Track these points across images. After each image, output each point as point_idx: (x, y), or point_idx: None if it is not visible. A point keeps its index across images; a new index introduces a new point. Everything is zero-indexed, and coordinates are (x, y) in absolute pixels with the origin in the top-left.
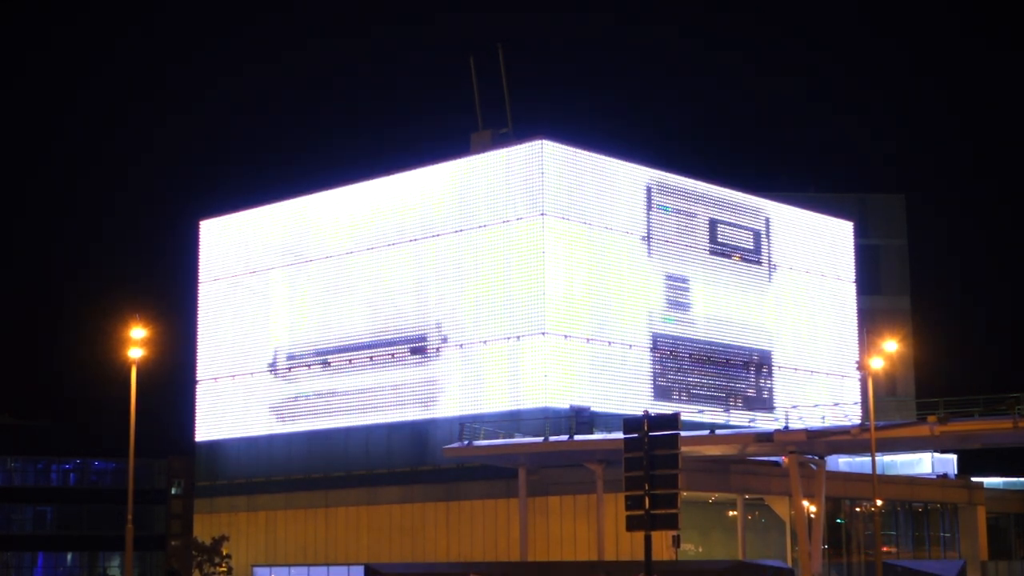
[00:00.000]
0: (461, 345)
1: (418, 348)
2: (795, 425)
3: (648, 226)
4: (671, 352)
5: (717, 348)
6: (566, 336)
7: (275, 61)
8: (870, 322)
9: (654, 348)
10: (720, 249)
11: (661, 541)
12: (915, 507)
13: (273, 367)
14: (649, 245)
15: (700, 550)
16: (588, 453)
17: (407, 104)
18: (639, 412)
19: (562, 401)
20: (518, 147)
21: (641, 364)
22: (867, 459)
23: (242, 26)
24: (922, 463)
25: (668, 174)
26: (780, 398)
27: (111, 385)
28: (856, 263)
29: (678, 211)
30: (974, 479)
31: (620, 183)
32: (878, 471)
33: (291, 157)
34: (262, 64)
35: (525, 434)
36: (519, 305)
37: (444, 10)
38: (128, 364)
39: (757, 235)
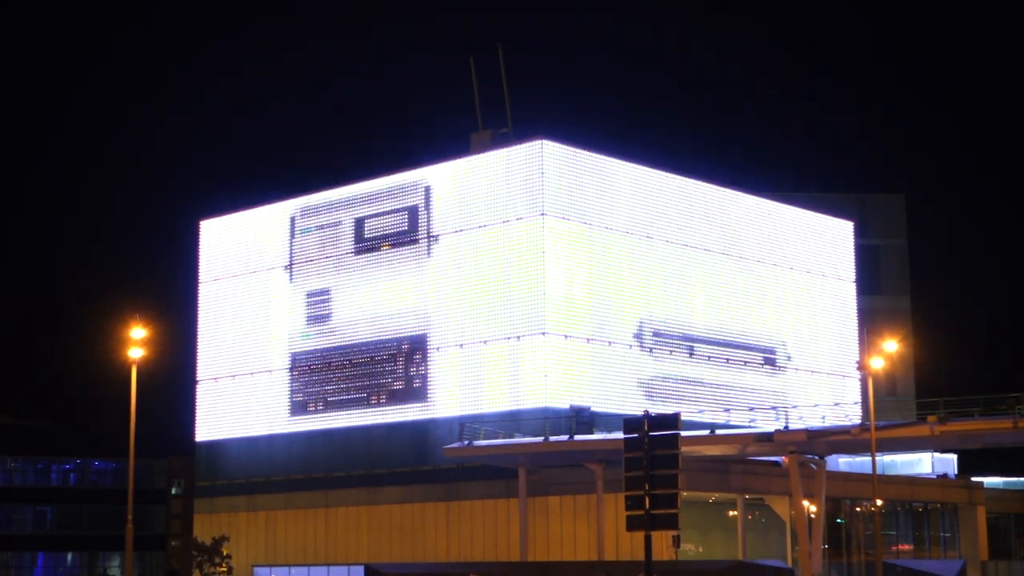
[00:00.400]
0: (461, 345)
1: (418, 348)
2: (795, 425)
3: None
4: (670, 352)
5: (717, 348)
6: (566, 336)
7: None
8: (870, 322)
9: (654, 348)
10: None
11: (661, 541)
12: (915, 507)
13: (273, 367)
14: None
15: (700, 550)
16: (588, 453)
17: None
18: (639, 412)
19: (562, 401)
20: (518, 147)
21: (641, 364)
22: (867, 459)
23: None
24: (922, 463)
25: (668, 174)
26: (780, 398)
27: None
28: (856, 263)
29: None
30: (974, 479)
31: (620, 183)
32: (878, 471)
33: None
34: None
35: (525, 434)
36: (519, 305)
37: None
38: (128, 364)
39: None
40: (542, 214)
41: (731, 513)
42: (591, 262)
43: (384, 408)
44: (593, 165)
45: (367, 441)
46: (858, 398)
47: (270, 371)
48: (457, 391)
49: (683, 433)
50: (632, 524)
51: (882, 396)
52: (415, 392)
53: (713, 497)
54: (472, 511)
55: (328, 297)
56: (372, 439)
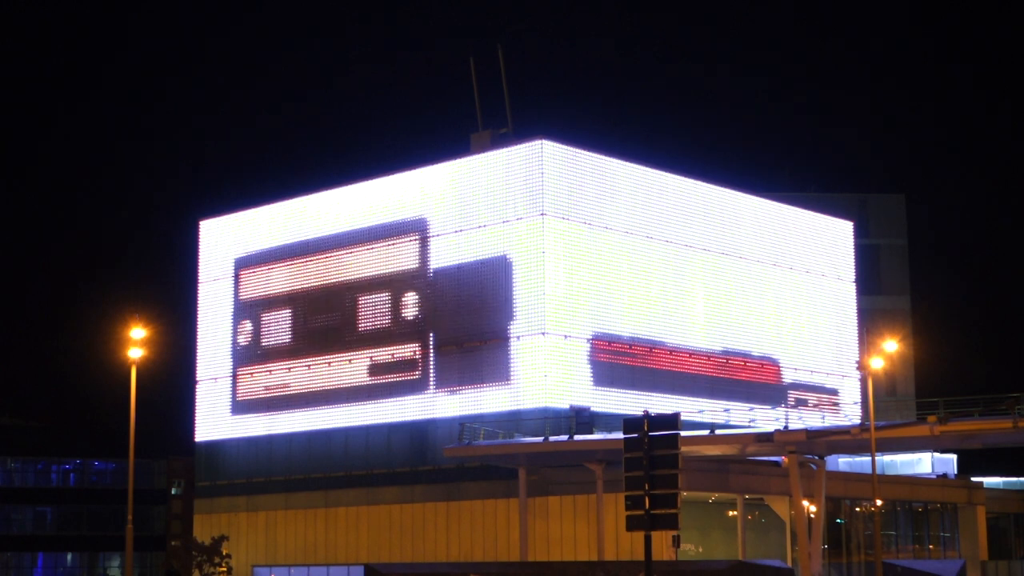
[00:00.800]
0: (461, 345)
1: (417, 348)
2: (795, 425)
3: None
4: (670, 351)
5: (717, 347)
6: (566, 336)
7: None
8: (870, 322)
9: (654, 348)
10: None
11: (661, 541)
12: (915, 507)
13: (273, 367)
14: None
15: (700, 550)
16: (588, 453)
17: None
18: (639, 412)
19: (562, 401)
20: (518, 147)
21: (641, 364)
22: (867, 459)
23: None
24: (922, 463)
25: (668, 174)
26: (780, 398)
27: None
28: (856, 263)
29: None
30: (974, 479)
31: (620, 183)
32: (878, 471)
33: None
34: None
35: (525, 434)
36: (519, 305)
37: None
38: (128, 364)
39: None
40: (542, 214)
41: (731, 513)
42: (591, 262)
43: (384, 408)
44: (593, 165)
45: (367, 441)
46: (858, 398)
47: (270, 371)
48: (457, 391)
49: (683, 433)
50: (632, 524)
51: (882, 396)
52: (415, 392)
53: (713, 497)
54: (472, 511)
55: (328, 297)
56: (372, 439)
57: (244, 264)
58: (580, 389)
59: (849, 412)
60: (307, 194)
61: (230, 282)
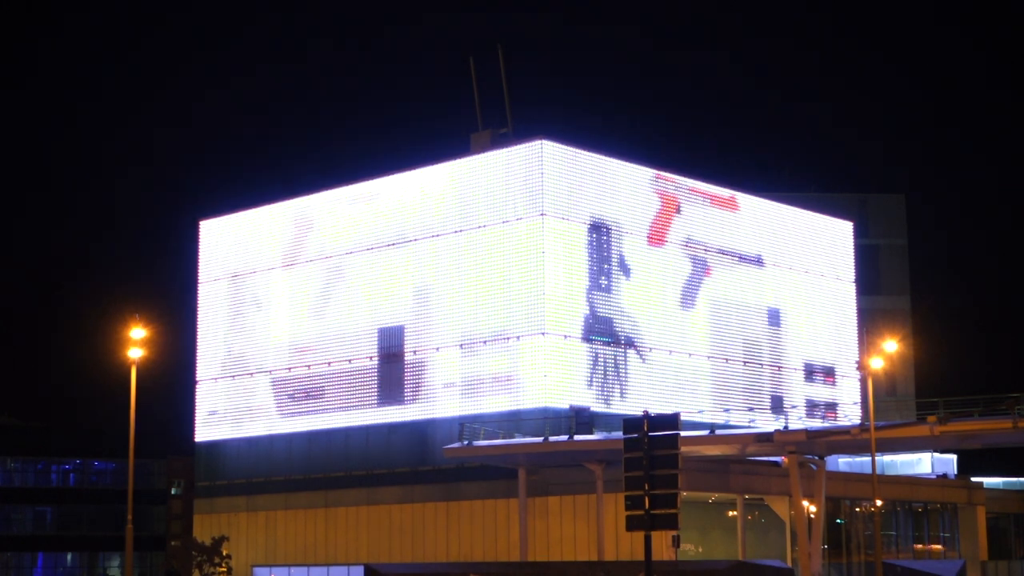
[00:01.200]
0: (461, 345)
1: (418, 348)
2: (795, 425)
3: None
4: (669, 351)
5: (717, 347)
6: (566, 336)
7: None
8: (870, 322)
9: (654, 348)
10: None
11: (661, 541)
12: (915, 507)
13: (273, 367)
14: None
15: (700, 550)
16: (588, 453)
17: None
18: (639, 412)
19: (562, 401)
20: (518, 147)
21: (640, 364)
22: (867, 459)
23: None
24: (922, 463)
25: (668, 174)
26: (780, 398)
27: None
28: (856, 263)
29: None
30: (974, 479)
31: (620, 183)
32: (878, 471)
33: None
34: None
35: (525, 434)
36: (519, 305)
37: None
38: (128, 364)
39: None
40: (542, 214)
41: (731, 513)
42: (591, 262)
43: (384, 408)
44: (593, 165)
45: (367, 441)
46: (858, 398)
47: (270, 371)
48: (457, 391)
49: (683, 433)
50: (632, 524)
51: (882, 396)
52: (415, 392)
53: (713, 497)
54: (472, 511)
55: (328, 297)
56: (372, 439)
57: (245, 264)
58: (580, 389)
59: (849, 412)
60: (307, 194)
61: (230, 282)
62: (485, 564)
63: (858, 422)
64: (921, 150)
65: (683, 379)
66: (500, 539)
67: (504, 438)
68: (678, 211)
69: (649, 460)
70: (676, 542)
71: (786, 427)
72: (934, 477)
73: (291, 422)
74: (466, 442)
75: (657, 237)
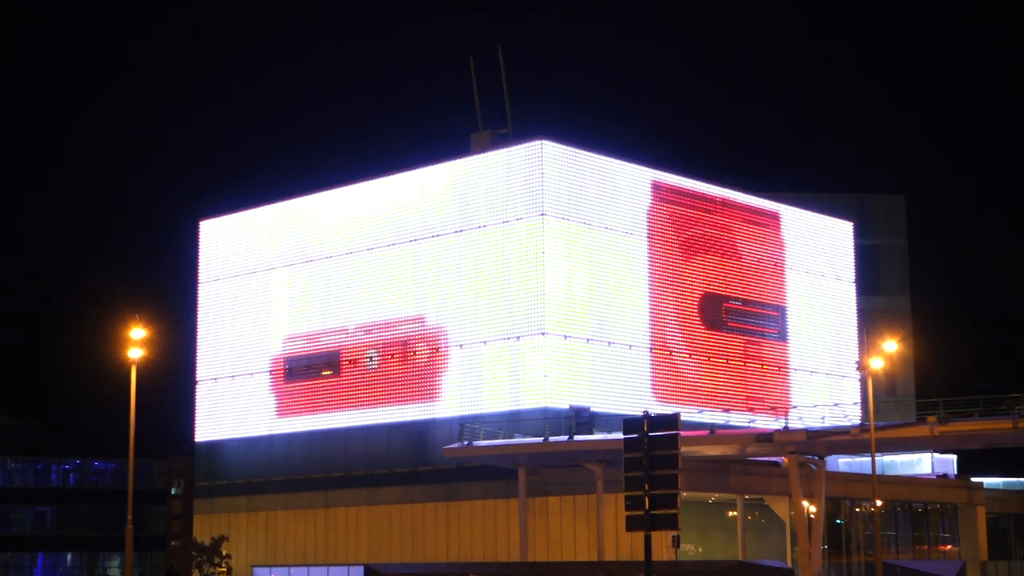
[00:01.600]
0: (461, 345)
1: (418, 348)
2: (795, 425)
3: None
4: (669, 351)
5: (716, 347)
6: (566, 336)
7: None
8: (870, 322)
9: (654, 348)
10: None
11: (661, 541)
12: (915, 507)
13: (273, 367)
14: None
15: (700, 550)
16: (588, 453)
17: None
18: (639, 412)
19: (562, 401)
20: (518, 147)
21: (641, 364)
22: (867, 459)
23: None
24: (922, 463)
25: (668, 174)
26: (780, 398)
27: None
28: (856, 263)
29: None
30: (974, 479)
31: (620, 183)
32: (878, 471)
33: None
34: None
35: (525, 434)
36: (519, 305)
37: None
38: (128, 364)
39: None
40: (542, 214)
41: (731, 513)
42: (591, 262)
43: (384, 408)
44: (593, 165)
45: (367, 441)
46: (858, 398)
47: (270, 371)
48: (457, 391)
49: (683, 433)
50: (632, 524)
51: (882, 396)
52: (415, 392)
53: (713, 497)
54: (472, 511)
55: (328, 297)
56: (372, 439)
57: (245, 264)
58: (580, 389)
59: (849, 412)
60: (307, 194)
61: (230, 282)
62: (485, 564)
63: (858, 422)
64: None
65: (683, 378)
66: (500, 539)
67: (504, 438)
68: (678, 211)
69: (649, 460)
70: (676, 542)
71: (786, 427)
72: (934, 477)
73: (291, 422)
74: (466, 442)
75: (658, 237)
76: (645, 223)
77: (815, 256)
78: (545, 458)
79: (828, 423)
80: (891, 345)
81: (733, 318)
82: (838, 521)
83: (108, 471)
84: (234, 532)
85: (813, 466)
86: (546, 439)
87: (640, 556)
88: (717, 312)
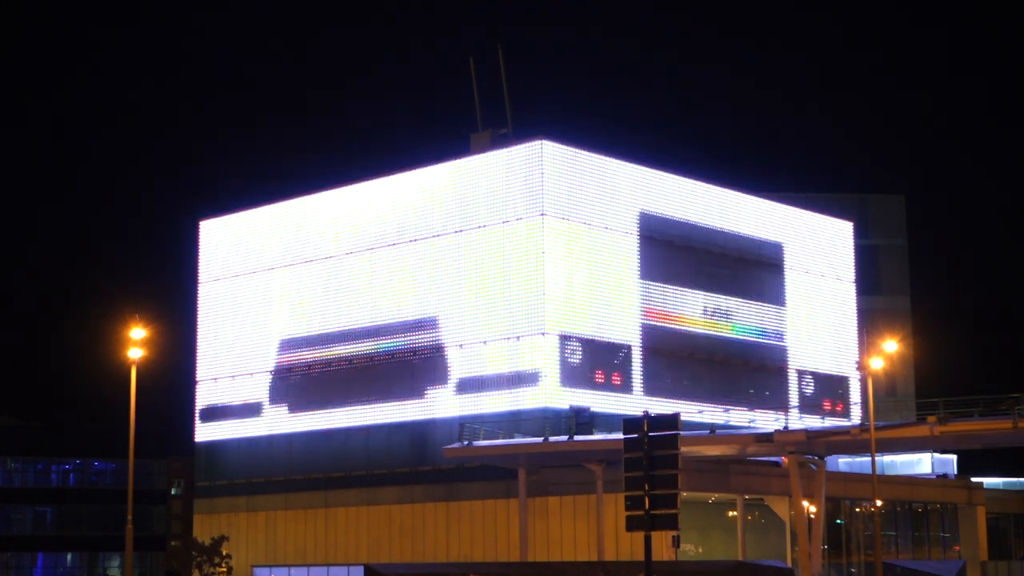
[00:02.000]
0: (461, 345)
1: (418, 348)
2: (795, 425)
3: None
4: (669, 352)
5: (717, 348)
6: (566, 336)
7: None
8: (870, 322)
9: (654, 348)
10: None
11: (661, 541)
12: (915, 507)
13: (273, 367)
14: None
15: (700, 550)
16: (588, 453)
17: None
18: (639, 412)
19: (562, 401)
20: (518, 147)
21: (640, 364)
22: (867, 459)
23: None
24: (922, 463)
25: (668, 174)
26: (780, 398)
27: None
28: (856, 263)
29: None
30: (974, 479)
31: (620, 183)
32: (878, 471)
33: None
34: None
35: (525, 434)
36: (519, 305)
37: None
38: (128, 364)
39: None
40: (542, 214)
41: (731, 513)
42: (591, 262)
43: (384, 408)
44: (593, 165)
45: (367, 441)
46: (858, 398)
47: (270, 371)
48: (457, 391)
49: (683, 433)
50: (632, 524)
51: (882, 396)
52: (415, 392)
53: (713, 497)
54: (472, 511)
55: (328, 297)
56: (372, 439)
57: (245, 264)
58: (580, 389)
59: (849, 412)
60: (307, 194)
61: (230, 282)
62: (485, 564)
63: (858, 422)
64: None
65: (683, 378)
66: (500, 539)
67: (504, 438)
68: (678, 212)
69: (649, 460)
70: (676, 542)
71: (786, 427)
72: (934, 477)
73: (291, 422)
74: (466, 442)
75: (658, 237)
76: (645, 223)
77: (815, 256)
78: (545, 458)
79: (828, 423)
80: (891, 345)
81: (733, 317)
82: (838, 521)
83: (108, 471)
84: (234, 532)
85: (813, 466)
86: (546, 439)
87: (640, 556)
88: (717, 311)
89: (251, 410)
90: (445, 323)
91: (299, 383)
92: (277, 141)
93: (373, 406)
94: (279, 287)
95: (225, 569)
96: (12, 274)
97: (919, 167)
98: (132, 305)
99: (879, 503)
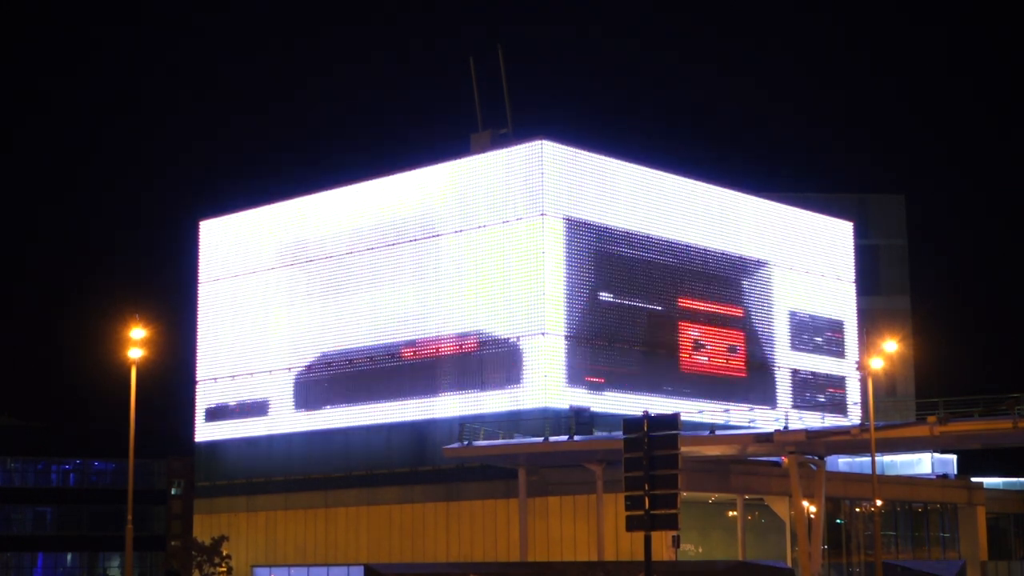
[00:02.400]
0: (461, 345)
1: (418, 348)
2: (795, 425)
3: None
4: (669, 352)
5: (716, 348)
6: (566, 336)
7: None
8: (870, 322)
9: (654, 348)
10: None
11: (661, 541)
12: (915, 507)
13: (273, 368)
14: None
15: (700, 550)
16: (588, 453)
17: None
18: (639, 412)
19: (562, 401)
20: (518, 147)
21: (641, 364)
22: (867, 459)
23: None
24: (922, 463)
25: (668, 174)
26: (780, 398)
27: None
28: (856, 263)
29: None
30: (974, 479)
31: (620, 183)
32: (878, 471)
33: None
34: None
35: (525, 434)
36: (519, 305)
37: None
38: (128, 364)
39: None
40: (542, 214)
41: (731, 513)
42: (591, 262)
43: (384, 408)
44: (593, 165)
45: (367, 441)
46: (858, 398)
47: (270, 371)
48: (457, 391)
49: (683, 433)
50: (632, 524)
51: (882, 396)
52: (415, 392)
53: (713, 497)
54: (472, 511)
55: (328, 297)
56: (372, 439)
57: (245, 264)
58: (580, 389)
59: (849, 412)
60: (307, 194)
61: (230, 282)
62: (485, 564)
63: (858, 422)
64: (921, 150)
65: (684, 379)
66: (500, 539)
67: (504, 438)
68: (678, 211)
69: (649, 460)
70: (676, 542)
71: (786, 427)
72: (934, 477)
73: (291, 422)
74: (466, 442)
75: (658, 237)
76: (645, 223)
77: (815, 256)
78: (545, 458)
79: (828, 423)
80: (891, 345)
81: (733, 319)
82: (838, 521)
83: (108, 471)
84: (234, 532)
85: (813, 466)
86: (546, 439)
87: (640, 556)
88: (717, 312)
89: (251, 410)
90: (445, 323)
91: (299, 383)
92: (277, 141)
93: (373, 406)
94: (279, 287)
95: (225, 569)
96: (12, 274)
97: (919, 167)
98: (132, 305)
99: (879, 503)
